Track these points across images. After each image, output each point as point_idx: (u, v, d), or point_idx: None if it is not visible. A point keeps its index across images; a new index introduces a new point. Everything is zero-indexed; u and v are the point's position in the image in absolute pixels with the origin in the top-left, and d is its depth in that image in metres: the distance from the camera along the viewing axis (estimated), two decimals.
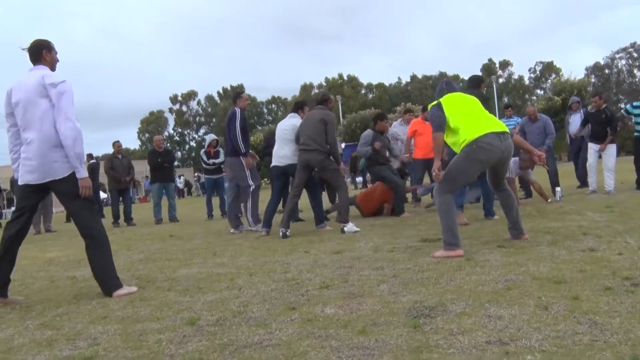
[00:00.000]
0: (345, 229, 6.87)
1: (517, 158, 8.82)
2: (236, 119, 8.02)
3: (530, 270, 3.63)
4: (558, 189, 9.04)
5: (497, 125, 4.86)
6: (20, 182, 4.21)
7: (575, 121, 11.80)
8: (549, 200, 8.60)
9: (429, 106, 5.22)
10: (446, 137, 5.10)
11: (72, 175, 4.12)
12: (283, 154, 7.74)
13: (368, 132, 9.07)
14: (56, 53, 4.35)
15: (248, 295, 3.65)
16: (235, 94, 8.80)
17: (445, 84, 5.37)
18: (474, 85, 7.25)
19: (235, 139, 7.97)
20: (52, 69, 4.28)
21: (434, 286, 3.44)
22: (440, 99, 5.12)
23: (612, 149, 9.61)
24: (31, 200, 4.26)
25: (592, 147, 9.83)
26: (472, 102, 5.13)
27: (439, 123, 4.97)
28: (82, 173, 4.13)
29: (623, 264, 3.63)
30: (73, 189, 4.13)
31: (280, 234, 6.95)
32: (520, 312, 2.70)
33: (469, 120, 4.88)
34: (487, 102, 6.34)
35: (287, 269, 4.55)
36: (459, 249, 4.51)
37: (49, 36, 4.39)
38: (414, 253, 4.79)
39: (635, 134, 9.86)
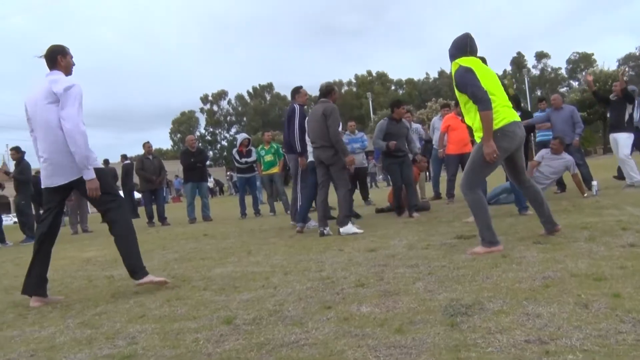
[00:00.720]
0: (342, 230, 6.78)
1: (547, 150, 8.71)
2: (295, 116, 7.95)
3: (568, 267, 3.57)
4: (594, 182, 8.86)
5: (515, 114, 4.69)
6: (42, 186, 4.38)
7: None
8: (585, 195, 8.44)
9: (454, 65, 4.70)
10: (465, 113, 4.76)
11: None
12: None
13: (383, 122, 8.61)
14: (71, 57, 4.46)
15: (283, 294, 3.66)
16: (294, 89, 8.60)
17: (470, 39, 4.79)
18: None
19: (293, 137, 7.91)
20: (68, 73, 4.39)
21: (470, 284, 3.40)
22: (470, 64, 4.59)
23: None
24: (55, 200, 4.40)
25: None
26: (495, 77, 4.76)
27: (487, 98, 4.44)
28: (89, 175, 4.22)
29: None
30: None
31: (319, 232, 6.92)
32: (560, 310, 2.65)
33: (498, 103, 4.57)
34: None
35: (321, 267, 4.55)
36: (499, 244, 4.45)
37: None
38: (449, 250, 4.75)
39: None
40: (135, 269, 4.33)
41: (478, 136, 4.63)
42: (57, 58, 4.34)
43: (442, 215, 8.03)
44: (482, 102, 4.41)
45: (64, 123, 4.11)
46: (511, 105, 4.74)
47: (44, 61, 4.35)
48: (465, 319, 2.68)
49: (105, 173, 4.48)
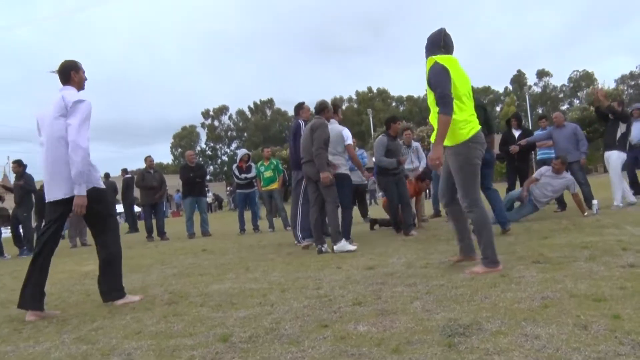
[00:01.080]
0: (335, 247, 6.73)
1: (549, 168, 8.71)
2: (300, 131, 7.93)
3: (567, 287, 3.54)
4: (595, 201, 8.82)
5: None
6: (46, 200, 4.44)
7: (636, 129, 11.39)
8: (585, 214, 8.42)
9: (430, 60, 4.50)
10: (433, 119, 4.47)
11: (92, 192, 4.33)
12: None
13: (383, 138, 8.45)
14: (84, 72, 4.55)
15: (280, 312, 3.64)
16: (297, 105, 8.61)
17: (444, 35, 4.62)
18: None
19: (299, 153, 7.90)
20: (80, 88, 4.49)
21: (468, 303, 3.38)
22: (447, 63, 4.40)
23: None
24: (56, 213, 4.42)
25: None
26: (469, 83, 4.57)
27: (450, 102, 4.28)
28: (80, 190, 4.25)
29: None
30: (97, 204, 4.38)
31: (317, 250, 6.88)
32: (559, 332, 2.62)
33: (467, 108, 4.43)
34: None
35: (319, 284, 4.53)
36: (499, 264, 4.41)
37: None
38: (448, 269, 4.73)
39: None
40: (109, 293, 4.48)
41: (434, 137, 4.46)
42: (71, 73, 4.44)
43: (441, 233, 8.00)
44: (446, 105, 4.27)
45: (71, 140, 4.17)
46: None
47: (50, 74, 4.45)
48: (463, 339, 2.65)
49: (106, 194, 4.57)
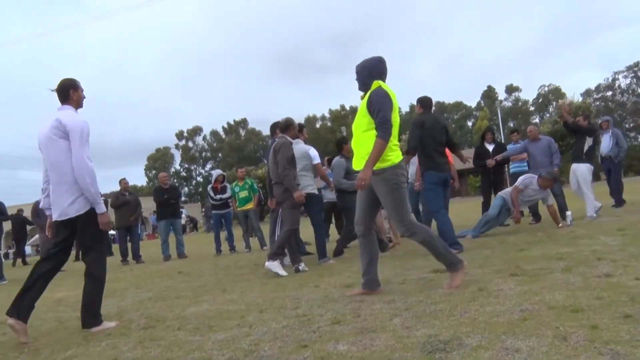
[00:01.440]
0: (267, 264, 6.62)
1: (532, 180, 8.77)
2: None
3: (545, 299, 3.56)
4: (568, 213, 8.93)
5: None
6: (53, 220, 4.55)
7: (605, 140, 11.64)
8: (559, 225, 8.51)
9: (376, 84, 4.47)
10: (358, 143, 4.53)
11: (85, 214, 4.38)
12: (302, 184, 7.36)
13: (342, 160, 8.44)
14: (82, 91, 4.63)
15: (259, 333, 3.59)
16: (273, 125, 8.41)
17: (383, 64, 4.62)
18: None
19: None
20: (79, 106, 4.58)
21: (447, 319, 3.37)
22: (390, 92, 4.44)
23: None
24: (62, 235, 4.52)
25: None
26: (398, 115, 4.60)
27: (390, 128, 4.33)
28: (102, 208, 4.44)
29: None
30: (83, 227, 4.42)
31: (294, 269, 6.84)
32: (539, 344, 2.62)
33: (395, 137, 4.45)
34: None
35: (297, 304, 4.48)
36: (463, 261, 4.48)
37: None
38: (426, 285, 4.72)
39: None
40: (88, 319, 4.42)
41: (360, 164, 4.46)
42: (69, 92, 4.51)
43: (418, 248, 7.96)
44: (387, 131, 4.30)
45: (76, 162, 4.27)
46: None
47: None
48: (444, 355, 2.64)
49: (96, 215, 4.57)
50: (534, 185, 8.72)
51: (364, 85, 4.60)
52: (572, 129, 9.65)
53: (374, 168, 4.38)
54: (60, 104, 4.50)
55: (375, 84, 4.49)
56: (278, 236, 7.00)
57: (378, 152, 4.30)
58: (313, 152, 7.60)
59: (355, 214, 4.75)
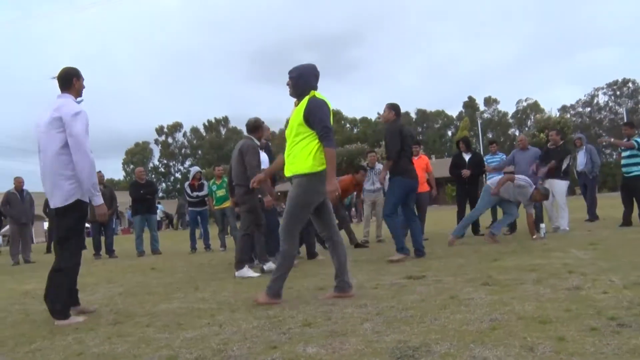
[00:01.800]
0: (236, 273, 6.56)
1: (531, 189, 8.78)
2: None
3: (515, 309, 3.59)
4: (542, 225, 9.04)
5: None
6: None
7: (580, 157, 11.99)
8: (534, 237, 8.60)
9: (312, 93, 4.50)
10: (292, 154, 4.53)
11: (70, 205, 4.39)
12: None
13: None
14: (83, 80, 4.66)
15: (229, 333, 3.56)
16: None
17: (315, 70, 4.68)
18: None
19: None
20: (78, 95, 4.60)
21: (418, 325, 3.38)
22: (323, 97, 4.49)
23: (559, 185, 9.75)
24: (54, 221, 4.64)
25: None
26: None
27: (333, 135, 4.41)
28: (98, 201, 4.48)
29: (608, 303, 3.59)
30: (65, 218, 4.43)
31: (260, 269, 6.83)
32: (506, 354, 2.64)
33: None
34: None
35: (269, 305, 4.46)
36: (280, 298, 4.56)
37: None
38: (399, 290, 4.73)
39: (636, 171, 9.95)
40: (57, 308, 4.38)
41: (290, 170, 4.52)
42: (72, 80, 4.55)
43: (393, 254, 8.02)
44: (330, 139, 4.35)
45: (76, 153, 4.29)
46: None
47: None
48: None
49: (87, 210, 4.66)
50: (526, 197, 8.71)
51: (300, 94, 4.59)
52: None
53: (295, 172, 4.45)
54: (60, 92, 4.51)
55: (311, 93, 4.51)
56: (236, 246, 6.93)
57: (332, 160, 4.38)
58: (264, 157, 7.54)
59: (315, 226, 4.83)
